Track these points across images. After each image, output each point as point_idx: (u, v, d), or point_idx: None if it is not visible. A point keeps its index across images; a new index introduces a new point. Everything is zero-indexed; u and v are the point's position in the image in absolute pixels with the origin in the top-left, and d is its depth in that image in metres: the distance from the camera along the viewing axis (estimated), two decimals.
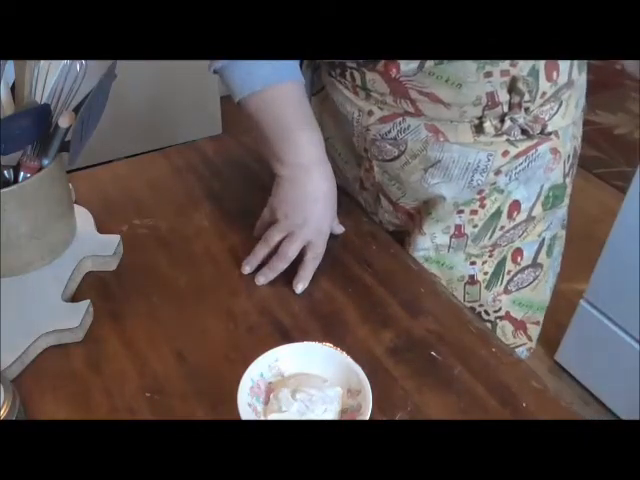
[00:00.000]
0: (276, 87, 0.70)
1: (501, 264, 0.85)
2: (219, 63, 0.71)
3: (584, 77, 0.80)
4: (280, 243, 0.73)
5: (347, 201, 0.85)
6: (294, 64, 0.72)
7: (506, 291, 0.87)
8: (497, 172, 0.76)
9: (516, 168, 0.77)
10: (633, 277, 1.41)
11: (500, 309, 0.88)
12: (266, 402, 0.57)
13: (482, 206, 0.79)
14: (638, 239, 1.39)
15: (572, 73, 0.75)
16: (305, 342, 0.61)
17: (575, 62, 0.74)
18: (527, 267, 0.87)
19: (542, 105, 0.74)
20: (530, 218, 0.82)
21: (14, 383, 0.54)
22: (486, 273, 0.85)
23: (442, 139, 0.74)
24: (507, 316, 0.89)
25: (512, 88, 0.70)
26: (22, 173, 0.68)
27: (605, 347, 1.56)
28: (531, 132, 0.74)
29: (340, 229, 0.80)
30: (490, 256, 0.84)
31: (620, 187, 1.49)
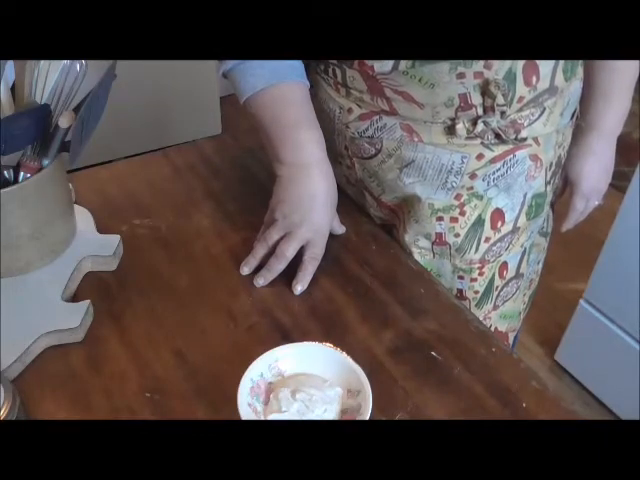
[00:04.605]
0: (277, 87, 0.71)
1: (491, 282, 0.84)
2: (227, 66, 0.72)
3: (576, 85, 0.78)
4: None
5: (347, 201, 0.85)
6: (297, 65, 0.73)
7: (495, 307, 0.87)
8: (472, 175, 0.76)
9: (494, 173, 0.76)
10: (633, 277, 1.41)
11: (490, 326, 0.88)
12: (266, 402, 0.57)
13: (462, 213, 0.78)
14: (638, 239, 1.39)
15: (555, 79, 0.72)
16: (305, 342, 0.61)
17: (559, 68, 0.72)
18: (511, 279, 0.86)
19: (520, 110, 0.73)
20: (515, 229, 0.81)
21: (14, 383, 0.54)
22: (477, 292, 0.84)
23: (416, 139, 0.74)
24: (495, 332, 0.89)
25: (485, 91, 0.70)
26: (22, 173, 0.68)
27: (605, 347, 1.56)
28: (504, 137, 0.73)
29: (342, 229, 0.80)
30: (480, 274, 0.83)
31: (619, 187, 1.49)
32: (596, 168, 0.89)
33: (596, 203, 0.93)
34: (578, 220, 0.95)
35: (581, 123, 0.86)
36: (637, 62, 0.82)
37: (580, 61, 0.77)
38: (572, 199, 0.92)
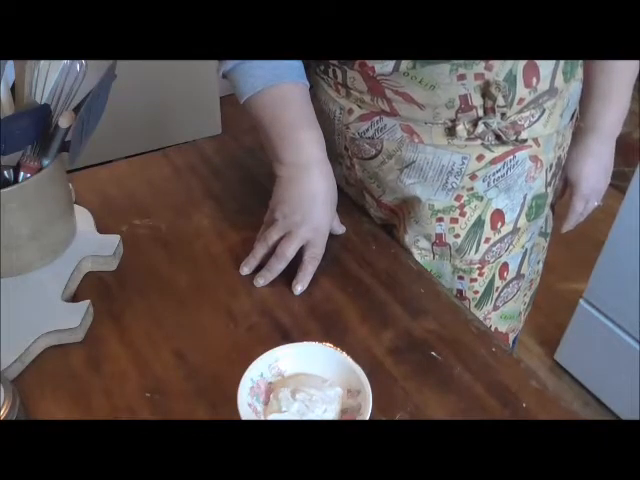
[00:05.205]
0: (276, 87, 0.71)
1: (491, 283, 0.84)
2: (227, 67, 0.72)
3: (575, 87, 0.78)
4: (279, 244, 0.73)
5: (347, 201, 0.85)
6: (297, 66, 0.73)
7: (495, 308, 0.87)
8: (473, 176, 0.76)
9: (494, 174, 0.76)
10: (632, 276, 1.41)
11: (490, 327, 0.88)
12: (266, 402, 0.57)
13: (462, 214, 0.79)
14: (637, 239, 1.39)
15: (555, 81, 0.72)
16: (305, 342, 0.61)
17: (559, 69, 0.72)
18: (512, 280, 0.87)
19: (520, 112, 0.73)
20: (515, 230, 0.81)
21: (14, 383, 0.54)
22: (476, 292, 0.85)
23: (417, 140, 0.74)
24: (495, 332, 0.90)
25: (485, 92, 0.70)
26: (22, 173, 0.68)
27: (605, 347, 1.56)
28: (504, 138, 0.73)
29: (342, 229, 0.80)
30: (480, 275, 0.83)
31: (619, 187, 1.49)
32: (595, 169, 0.89)
33: (595, 204, 0.93)
34: (578, 221, 0.95)
35: (580, 124, 0.86)
36: (635, 64, 0.82)
37: (579, 62, 0.77)
38: (572, 200, 0.92)
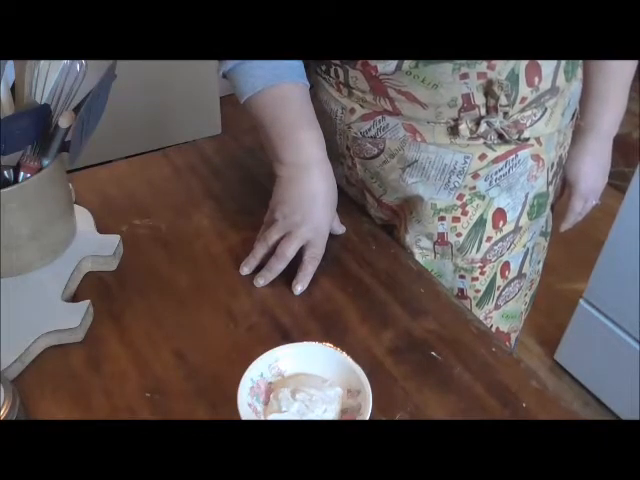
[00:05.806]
0: (277, 87, 0.71)
1: (492, 282, 0.84)
2: (227, 67, 0.72)
3: (575, 86, 0.78)
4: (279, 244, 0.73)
5: (347, 201, 0.85)
6: (297, 65, 0.73)
7: (496, 307, 0.88)
8: (475, 175, 0.76)
9: (496, 173, 0.76)
10: (632, 276, 1.41)
11: (491, 326, 0.88)
12: (266, 402, 0.57)
13: (464, 213, 0.79)
14: (637, 239, 1.39)
15: (557, 79, 0.73)
16: (305, 342, 0.61)
17: (561, 68, 0.73)
18: (514, 279, 0.87)
19: (523, 110, 0.73)
20: (517, 229, 0.81)
21: (14, 383, 0.54)
22: (478, 291, 0.85)
23: (419, 139, 0.74)
24: (497, 332, 0.90)
25: (488, 91, 0.70)
26: (22, 173, 0.68)
27: (605, 347, 1.56)
28: (507, 137, 0.73)
29: (342, 229, 0.80)
30: (481, 273, 0.83)
31: (619, 187, 1.49)
32: (594, 168, 0.90)
33: (594, 203, 0.93)
34: (576, 220, 0.95)
35: (580, 123, 0.87)
36: (632, 64, 0.82)
37: (580, 62, 0.77)
38: (570, 200, 0.92)
